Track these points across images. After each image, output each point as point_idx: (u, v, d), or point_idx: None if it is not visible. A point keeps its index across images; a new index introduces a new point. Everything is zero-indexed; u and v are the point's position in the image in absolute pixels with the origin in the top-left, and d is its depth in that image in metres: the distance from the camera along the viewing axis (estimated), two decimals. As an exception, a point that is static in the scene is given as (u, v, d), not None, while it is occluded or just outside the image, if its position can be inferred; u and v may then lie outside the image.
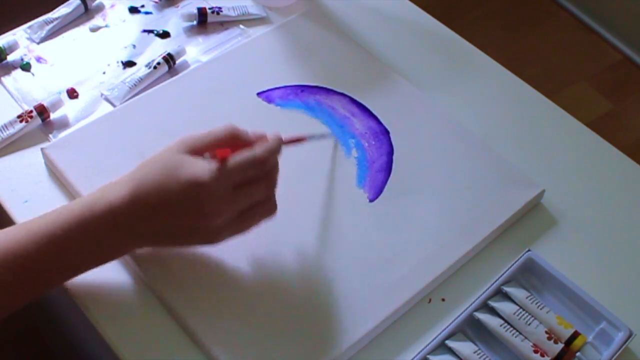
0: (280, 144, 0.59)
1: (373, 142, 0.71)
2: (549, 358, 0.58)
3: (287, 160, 0.69)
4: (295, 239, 0.63)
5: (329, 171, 0.68)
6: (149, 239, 0.57)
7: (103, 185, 0.57)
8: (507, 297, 0.62)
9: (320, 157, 0.69)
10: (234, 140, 0.58)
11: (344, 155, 0.70)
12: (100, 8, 0.83)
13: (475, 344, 0.59)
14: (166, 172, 0.55)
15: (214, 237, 0.57)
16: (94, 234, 0.54)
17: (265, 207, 0.58)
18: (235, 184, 0.55)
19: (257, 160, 0.56)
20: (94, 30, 0.81)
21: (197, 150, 0.57)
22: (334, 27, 0.82)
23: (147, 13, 0.84)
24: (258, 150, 0.56)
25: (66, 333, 0.93)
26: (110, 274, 0.61)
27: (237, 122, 0.71)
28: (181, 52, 0.78)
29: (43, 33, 0.79)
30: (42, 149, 0.68)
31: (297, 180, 0.67)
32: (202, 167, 0.54)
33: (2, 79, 0.75)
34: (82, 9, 0.82)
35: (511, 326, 0.60)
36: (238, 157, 0.55)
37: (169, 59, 0.76)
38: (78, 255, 0.55)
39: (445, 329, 0.59)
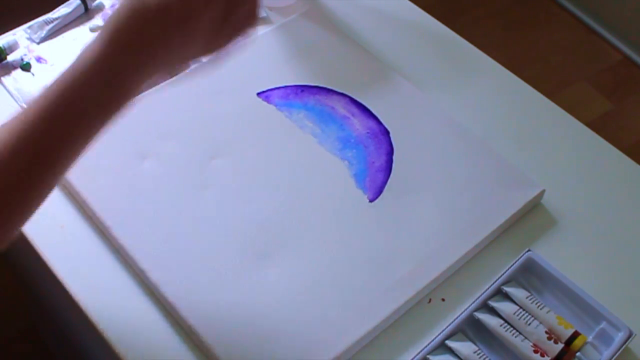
0: None
1: (373, 142, 0.71)
2: (549, 358, 0.58)
3: (287, 161, 0.69)
4: (295, 239, 0.63)
5: (328, 172, 0.68)
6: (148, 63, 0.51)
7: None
8: (507, 297, 0.62)
9: (320, 159, 0.69)
10: None
11: (344, 156, 0.70)
12: (100, 8, 0.83)
13: (475, 344, 0.59)
14: None
15: (211, 34, 0.53)
16: (91, 91, 0.50)
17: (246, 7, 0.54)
18: None
19: None
20: (94, 30, 0.81)
21: None
22: (334, 27, 0.82)
23: (147, 13, 0.83)
24: None
25: (66, 333, 0.93)
26: (111, 275, 0.61)
27: (237, 122, 0.71)
28: (181, 52, 0.78)
29: (43, 33, 0.79)
30: (42, 149, 0.67)
31: (296, 181, 0.68)
32: None
33: (2, 79, 0.75)
34: (82, 9, 0.81)
35: (511, 326, 0.60)
36: None
37: (169, 59, 0.76)
38: (88, 120, 0.50)
39: (445, 329, 0.59)
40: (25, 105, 0.53)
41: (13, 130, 0.49)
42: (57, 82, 0.51)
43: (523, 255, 0.64)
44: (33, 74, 0.76)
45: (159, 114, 0.71)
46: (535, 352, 0.58)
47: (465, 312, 0.60)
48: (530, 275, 0.64)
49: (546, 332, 0.59)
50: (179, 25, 0.51)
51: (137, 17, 0.50)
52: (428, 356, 0.58)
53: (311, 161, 0.69)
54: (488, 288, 0.62)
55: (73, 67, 0.51)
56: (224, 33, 0.55)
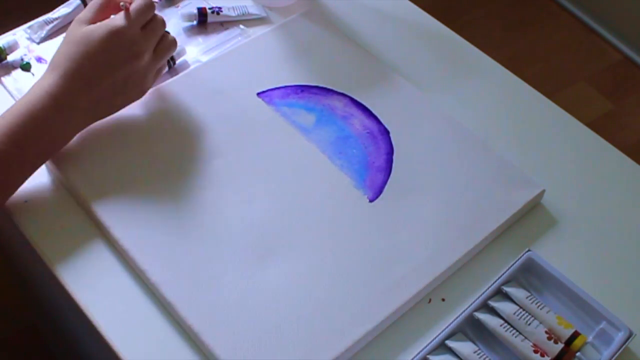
0: None
1: (373, 142, 0.71)
2: (549, 358, 0.58)
3: (287, 161, 0.69)
4: (295, 239, 0.63)
5: (329, 172, 0.68)
6: (93, 110, 0.65)
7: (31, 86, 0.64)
8: (507, 297, 0.62)
9: (320, 159, 0.69)
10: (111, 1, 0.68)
11: (344, 156, 0.70)
12: (100, 8, 0.83)
13: (475, 344, 0.59)
14: (83, 41, 0.63)
15: (144, 79, 0.67)
16: (44, 123, 0.62)
17: (168, 41, 0.70)
18: (142, 25, 0.66)
19: (150, 2, 0.67)
20: (94, 30, 0.81)
21: (93, 20, 0.66)
22: (334, 27, 0.82)
23: (147, 13, 0.83)
24: None
25: (66, 333, 0.93)
26: (111, 275, 0.61)
27: (237, 123, 0.71)
28: (181, 52, 0.78)
29: (43, 33, 0.79)
30: (42, 149, 0.68)
31: (296, 180, 0.68)
32: (113, 19, 0.64)
33: (2, 79, 0.75)
34: (82, 9, 0.81)
35: (511, 326, 0.60)
36: (136, 4, 0.66)
37: (169, 59, 0.76)
38: (41, 145, 0.62)
39: (445, 329, 0.59)
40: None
41: None
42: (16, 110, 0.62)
43: (523, 255, 0.64)
44: (33, 74, 0.76)
45: (159, 113, 0.71)
46: (535, 352, 0.58)
47: (465, 312, 0.60)
48: (530, 275, 0.64)
49: (546, 332, 0.59)
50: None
51: (71, 78, 0.63)
52: (428, 356, 0.58)
53: (311, 161, 0.69)
54: (488, 288, 0.62)
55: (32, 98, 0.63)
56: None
